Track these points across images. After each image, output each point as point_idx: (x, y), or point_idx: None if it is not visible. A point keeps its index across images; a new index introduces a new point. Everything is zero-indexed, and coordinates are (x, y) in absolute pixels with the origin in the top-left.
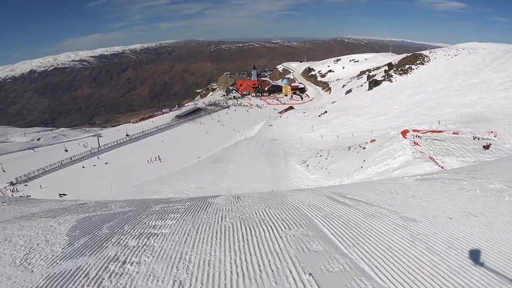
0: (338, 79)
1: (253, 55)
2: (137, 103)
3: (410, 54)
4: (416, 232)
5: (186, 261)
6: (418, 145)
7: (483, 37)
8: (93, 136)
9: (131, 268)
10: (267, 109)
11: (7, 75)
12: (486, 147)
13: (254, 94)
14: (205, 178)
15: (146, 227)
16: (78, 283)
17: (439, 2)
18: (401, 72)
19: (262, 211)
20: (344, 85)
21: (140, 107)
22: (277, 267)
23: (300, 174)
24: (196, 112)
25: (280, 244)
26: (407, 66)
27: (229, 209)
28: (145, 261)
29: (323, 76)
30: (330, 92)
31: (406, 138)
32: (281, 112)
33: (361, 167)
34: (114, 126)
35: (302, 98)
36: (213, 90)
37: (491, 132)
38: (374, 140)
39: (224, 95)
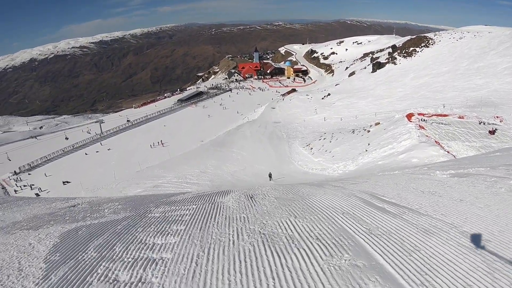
0: (341, 61)
1: (255, 37)
2: (139, 88)
3: (414, 36)
4: (491, 259)
5: None
6: (424, 128)
7: (488, 21)
8: (95, 122)
9: None
10: (270, 92)
11: (7, 65)
12: (492, 132)
13: (257, 77)
14: (208, 162)
15: (143, 248)
16: None
17: None
18: (405, 54)
19: (287, 223)
20: (347, 68)
21: (142, 92)
22: None
23: (304, 157)
24: (198, 96)
25: (324, 282)
26: (411, 48)
27: (244, 217)
28: None
29: (325, 58)
30: (333, 74)
31: (411, 121)
32: (283, 95)
33: (366, 150)
34: (116, 112)
35: (304, 81)
36: (215, 73)
37: (497, 117)
38: (379, 123)
39: (226, 78)
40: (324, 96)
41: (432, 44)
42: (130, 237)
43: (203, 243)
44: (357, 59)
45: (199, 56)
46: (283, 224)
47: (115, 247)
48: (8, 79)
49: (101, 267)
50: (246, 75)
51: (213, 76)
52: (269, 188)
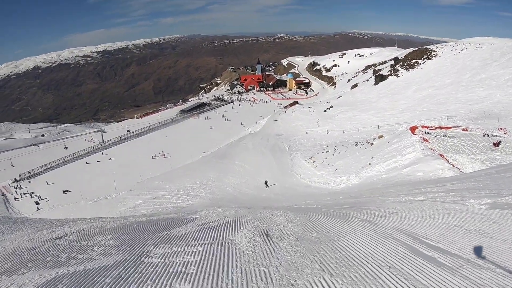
0: (343, 74)
1: (258, 49)
2: (141, 98)
3: (416, 48)
4: None
5: None
6: (428, 141)
7: (489, 32)
8: (97, 131)
9: None
10: (272, 104)
11: (11, 72)
12: (496, 144)
13: (259, 89)
14: (210, 174)
15: None
16: None
17: None
18: (407, 66)
19: (322, 285)
20: (349, 80)
21: (144, 102)
22: None
23: (306, 170)
24: (200, 107)
25: None
26: (413, 60)
27: (265, 272)
28: None
29: (328, 70)
30: (335, 86)
31: (415, 134)
32: (286, 107)
33: (369, 163)
34: (118, 122)
35: (307, 93)
36: (218, 85)
37: (501, 129)
38: (382, 136)
39: (229, 89)
40: (327, 109)
41: (434, 56)
42: None
43: None
44: (359, 72)
45: (201, 68)
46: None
47: None
48: (11, 86)
49: None
50: (249, 87)
51: (215, 87)
52: (284, 220)
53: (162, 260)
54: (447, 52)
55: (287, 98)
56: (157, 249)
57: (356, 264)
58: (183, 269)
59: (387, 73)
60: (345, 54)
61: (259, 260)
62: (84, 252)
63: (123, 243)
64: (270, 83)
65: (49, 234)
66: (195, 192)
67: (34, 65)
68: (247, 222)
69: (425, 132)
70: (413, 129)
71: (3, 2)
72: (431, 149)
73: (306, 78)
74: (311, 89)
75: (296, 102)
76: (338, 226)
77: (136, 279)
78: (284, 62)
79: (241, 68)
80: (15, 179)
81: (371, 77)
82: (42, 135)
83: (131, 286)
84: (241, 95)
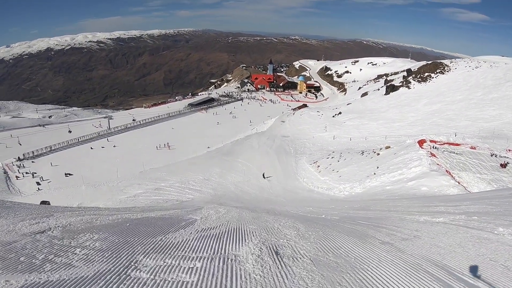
0: (355, 81)
1: (271, 49)
2: (151, 88)
3: (430, 62)
4: None
5: None
6: (435, 156)
7: (504, 52)
8: (104, 117)
9: None
10: (281, 105)
11: (24, 51)
12: (504, 165)
13: (269, 89)
14: (213, 170)
15: None
16: None
17: (462, 12)
18: (420, 79)
19: None
20: (360, 88)
21: (153, 93)
22: None
23: (310, 174)
24: (209, 102)
25: None
26: (426, 74)
27: None
28: None
29: (339, 76)
30: (345, 93)
31: (422, 148)
32: (294, 109)
33: (374, 173)
34: (126, 109)
35: (316, 97)
36: (228, 81)
37: (509, 150)
38: (389, 147)
39: (239, 87)
40: (335, 114)
41: (447, 71)
42: None
43: None
44: (370, 80)
45: (213, 63)
46: None
47: None
48: (23, 65)
49: None
50: (259, 86)
51: (225, 83)
52: (295, 233)
53: (152, 277)
54: (460, 68)
55: (296, 101)
56: (148, 259)
57: None
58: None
59: (398, 84)
60: (358, 61)
61: (268, 287)
62: (64, 254)
63: (110, 247)
64: (281, 84)
65: (31, 226)
66: (196, 187)
67: (47, 47)
68: (253, 233)
69: (433, 147)
70: (421, 142)
71: None
72: (437, 164)
73: (317, 82)
74: (321, 93)
75: (305, 105)
76: (357, 248)
77: None
78: (296, 64)
79: (252, 67)
80: (18, 157)
81: (382, 86)
82: (50, 117)
83: None
84: (251, 94)
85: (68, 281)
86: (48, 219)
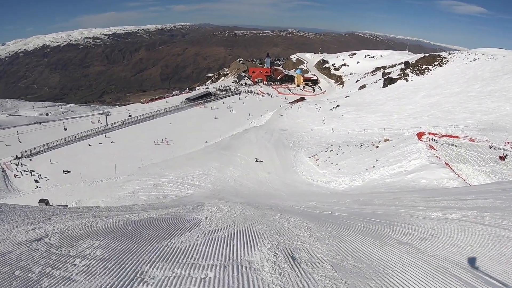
0: (352, 74)
1: (268, 43)
2: (148, 83)
3: (428, 54)
4: None
5: None
6: (434, 149)
7: (502, 44)
8: (102, 114)
9: None
10: (278, 98)
11: (19, 49)
12: (503, 158)
13: (266, 82)
14: (211, 165)
15: None
16: None
17: (459, 4)
18: (417, 71)
19: None
20: (357, 80)
21: (150, 88)
22: None
23: (309, 167)
24: (206, 96)
25: None
26: (424, 66)
27: None
28: None
29: (336, 69)
30: (343, 86)
31: (421, 140)
32: (292, 103)
33: (373, 166)
34: (123, 105)
35: (314, 90)
36: (225, 75)
37: (507, 142)
38: (388, 140)
39: (236, 81)
40: (333, 107)
41: (445, 64)
42: None
43: None
44: (368, 73)
45: (210, 57)
46: None
47: None
48: (19, 63)
49: None
50: (256, 80)
51: (223, 78)
52: (308, 234)
53: None
54: (458, 61)
55: (294, 94)
56: (155, 269)
57: None
58: None
59: (396, 77)
60: (355, 54)
61: None
62: (63, 266)
63: (112, 256)
64: (278, 78)
65: (27, 233)
66: (195, 181)
67: (43, 44)
68: (263, 235)
69: (432, 139)
70: (419, 135)
71: None
72: (437, 157)
73: (314, 75)
74: (319, 86)
75: (302, 99)
76: (376, 250)
77: None
78: (294, 57)
79: (249, 61)
80: (16, 156)
81: (380, 79)
82: (47, 114)
83: None
84: (248, 87)
85: None
86: (45, 223)
